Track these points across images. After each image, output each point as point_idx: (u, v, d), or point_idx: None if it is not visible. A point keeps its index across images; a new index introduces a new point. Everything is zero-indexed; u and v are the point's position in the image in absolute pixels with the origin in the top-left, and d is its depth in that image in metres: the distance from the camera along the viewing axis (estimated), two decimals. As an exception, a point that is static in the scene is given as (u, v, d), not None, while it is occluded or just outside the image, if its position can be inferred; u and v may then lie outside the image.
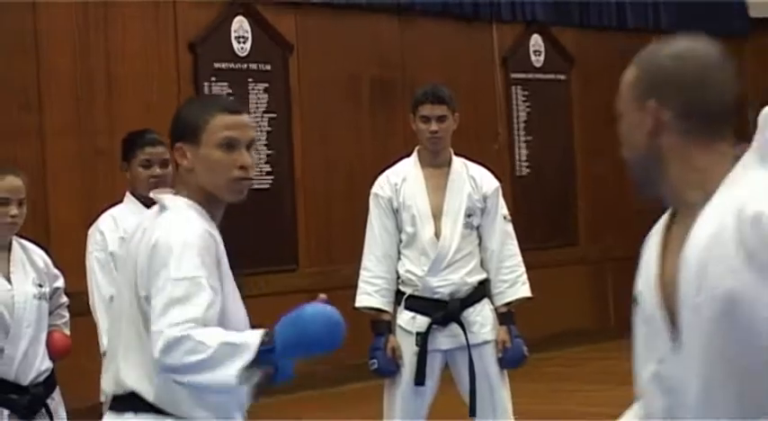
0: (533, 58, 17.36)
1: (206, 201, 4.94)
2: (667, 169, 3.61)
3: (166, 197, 5.03)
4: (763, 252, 3.39)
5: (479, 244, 8.50)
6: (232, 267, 7.90)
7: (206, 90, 14.05)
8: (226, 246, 7.91)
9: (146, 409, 4.88)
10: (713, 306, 3.40)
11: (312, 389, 13.38)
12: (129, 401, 4.95)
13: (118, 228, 7.73)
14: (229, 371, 4.62)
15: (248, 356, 4.60)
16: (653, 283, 3.63)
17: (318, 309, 4.70)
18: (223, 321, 4.85)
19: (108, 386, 5.07)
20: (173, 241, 4.83)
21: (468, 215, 8.40)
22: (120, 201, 8.04)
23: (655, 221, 3.63)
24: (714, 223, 3.43)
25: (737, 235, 3.38)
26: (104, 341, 7.15)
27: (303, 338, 4.66)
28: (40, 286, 7.49)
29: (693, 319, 3.46)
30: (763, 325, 3.35)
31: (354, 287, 8.59)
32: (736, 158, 3.55)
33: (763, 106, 6.48)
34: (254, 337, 4.66)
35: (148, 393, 4.86)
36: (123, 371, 4.96)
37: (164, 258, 4.81)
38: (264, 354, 4.62)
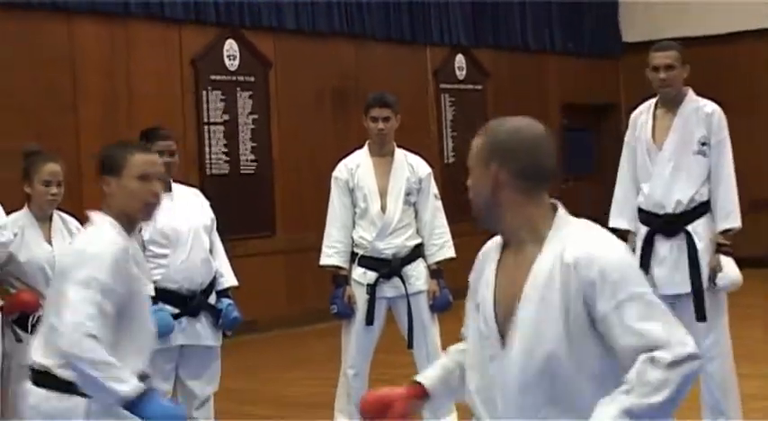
0: (457, 72, 17.50)
1: (125, 220, 4.93)
2: (504, 214, 3.91)
3: (94, 214, 5.01)
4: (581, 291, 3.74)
5: (416, 216, 8.59)
6: (223, 234, 8.04)
7: (204, 97, 14.19)
8: (221, 218, 8.01)
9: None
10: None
11: (288, 328, 13.54)
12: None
13: None
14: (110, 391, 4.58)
15: (117, 397, 4.59)
16: (489, 299, 3.91)
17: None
18: (127, 322, 4.83)
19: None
20: (88, 250, 4.87)
21: (407, 193, 8.49)
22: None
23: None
24: (547, 264, 3.77)
25: (561, 277, 3.74)
26: None
27: None
28: None
29: (521, 338, 3.77)
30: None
31: (319, 250, 8.60)
32: (553, 207, 3.91)
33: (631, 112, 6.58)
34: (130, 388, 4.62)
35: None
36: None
37: (75, 262, 4.84)
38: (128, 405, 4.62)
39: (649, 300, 3.73)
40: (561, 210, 3.92)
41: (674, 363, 3.65)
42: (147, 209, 4.98)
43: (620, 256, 3.80)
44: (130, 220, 4.98)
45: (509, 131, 4.02)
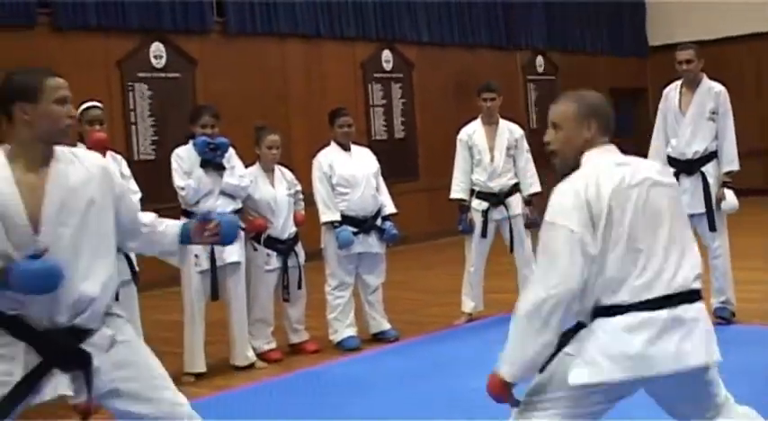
0: (538, 68, 17.48)
1: (39, 146, 3.48)
2: (582, 158, 3.64)
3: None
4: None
5: (513, 164, 8.53)
6: (385, 178, 8.07)
7: (370, 88, 14.28)
8: (384, 168, 7.98)
9: None
10: None
11: (429, 241, 13.61)
12: None
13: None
14: None
15: None
16: None
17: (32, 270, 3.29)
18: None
19: None
20: None
21: (508, 148, 8.44)
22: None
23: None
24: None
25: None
26: None
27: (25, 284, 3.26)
28: (289, 189, 7.68)
29: None
30: None
31: (449, 188, 8.57)
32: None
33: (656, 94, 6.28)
34: None
35: None
36: None
37: None
38: None
39: (549, 235, 3.51)
40: (593, 152, 3.65)
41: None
42: (66, 130, 3.54)
43: (557, 195, 3.53)
44: (47, 145, 3.50)
45: (595, 98, 3.77)
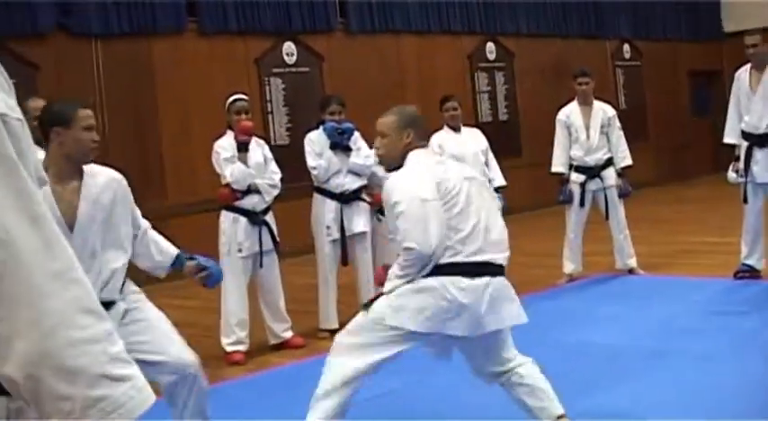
0: (625, 54, 17.08)
1: (69, 163, 3.76)
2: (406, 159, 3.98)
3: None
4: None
5: (607, 140, 8.42)
6: (495, 155, 8.01)
7: (476, 77, 14.18)
8: (490, 146, 7.93)
9: None
10: None
11: (531, 211, 13.51)
12: None
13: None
14: None
15: None
16: None
17: None
18: None
19: None
20: None
21: (602, 126, 8.35)
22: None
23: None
24: None
25: None
26: None
27: None
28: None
29: None
30: None
31: (549, 163, 8.51)
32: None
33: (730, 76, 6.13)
34: None
35: None
36: None
37: None
38: None
39: (402, 209, 3.75)
40: (416, 153, 3.97)
41: (405, 250, 3.73)
42: (91, 152, 3.77)
43: (394, 180, 3.88)
44: (75, 163, 3.79)
45: (412, 111, 4.09)
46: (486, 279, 3.84)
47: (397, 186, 3.85)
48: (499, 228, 4.03)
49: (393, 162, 4.03)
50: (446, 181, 3.85)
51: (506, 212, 8.19)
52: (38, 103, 5.32)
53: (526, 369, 4.04)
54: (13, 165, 1.22)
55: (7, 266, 1.18)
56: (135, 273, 4.10)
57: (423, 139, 4.06)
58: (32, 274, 1.19)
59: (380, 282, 4.10)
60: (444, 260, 3.80)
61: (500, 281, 3.92)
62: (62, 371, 1.18)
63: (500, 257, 3.96)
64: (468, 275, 3.81)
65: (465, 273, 3.81)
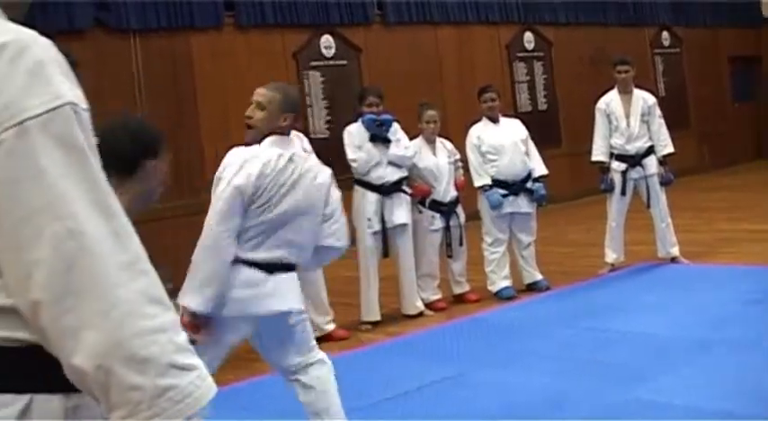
0: (664, 42, 16.85)
1: None
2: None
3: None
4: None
5: (648, 128, 8.36)
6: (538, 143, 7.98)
7: (514, 67, 14.14)
8: (530, 134, 7.90)
9: None
10: None
11: (571, 201, 13.44)
12: None
13: None
14: None
15: None
16: None
17: None
18: None
19: None
20: None
21: (642, 114, 8.28)
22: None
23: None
24: None
25: None
26: None
27: None
28: (449, 158, 7.63)
29: None
30: None
31: (590, 153, 8.45)
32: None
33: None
34: None
35: None
36: None
37: None
38: None
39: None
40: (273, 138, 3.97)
41: None
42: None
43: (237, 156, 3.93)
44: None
45: (296, 95, 4.21)
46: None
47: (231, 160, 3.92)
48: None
49: (258, 137, 4.02)
50: (267, 176, 3.85)
51: (547, 202, 8.23)
52: None
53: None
54: (84, 156, 1.23)
55: (77, 256, 1.19)
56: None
57: (292, 128, 4.08)
58: (102, 265, 1.20)
59: None
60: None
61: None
62: (132, 360, 1.19)
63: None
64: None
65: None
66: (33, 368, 1.26)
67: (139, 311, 1.21)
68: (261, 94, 4.04)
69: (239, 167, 3.85)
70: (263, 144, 3.96)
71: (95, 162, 1.25)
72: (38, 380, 1.27)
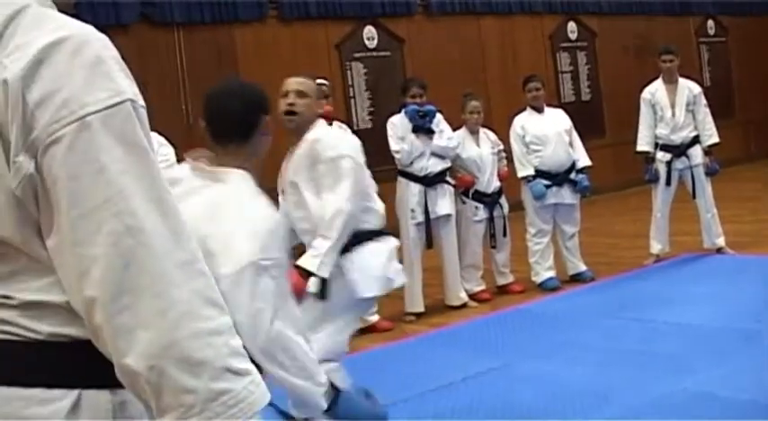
0: (709, 31, 16.66)
1: None
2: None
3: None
4: None
5: (693, 118, 8.29)
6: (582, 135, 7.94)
7: (557, 57, 14.06)
8: (573, 124, 7.87)
9: None
10: None
11: (615, 191, 13.36)
12: None
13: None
14: None
15: None
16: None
17: None
18: None
19: None
20: None
21: (687, 104, 8.21)
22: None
23: None
24: None
25: None
26: None
27: None
28: (492, 149, 7.64)
29: None
30: None
31: (634, 142, 8.38)
32: None
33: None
34: None
35: None
36: None
37: None
38: None
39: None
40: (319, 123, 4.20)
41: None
42: None
43: (343, 140, 4.35)
44: None
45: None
46: None
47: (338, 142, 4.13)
48: None
49: (305, 126, 4.10)
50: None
51: (591, 193, 8.20)
52: None
53: None
54: (143, 152, 1.22)
55: (135, 254, 1.17)
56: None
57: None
58: (160, 263, 1.18)
59: None
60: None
61: None
62: (187, 362, 1.16)
63: None
64: None
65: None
66: (81, 363, 1.25)
67: (196, 312, 1.18)
68: (298, 82, 4.13)
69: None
70: (318, 127, 4.12)
71: (154, 159, 1.24)
72: (86, 375, 1.26)
